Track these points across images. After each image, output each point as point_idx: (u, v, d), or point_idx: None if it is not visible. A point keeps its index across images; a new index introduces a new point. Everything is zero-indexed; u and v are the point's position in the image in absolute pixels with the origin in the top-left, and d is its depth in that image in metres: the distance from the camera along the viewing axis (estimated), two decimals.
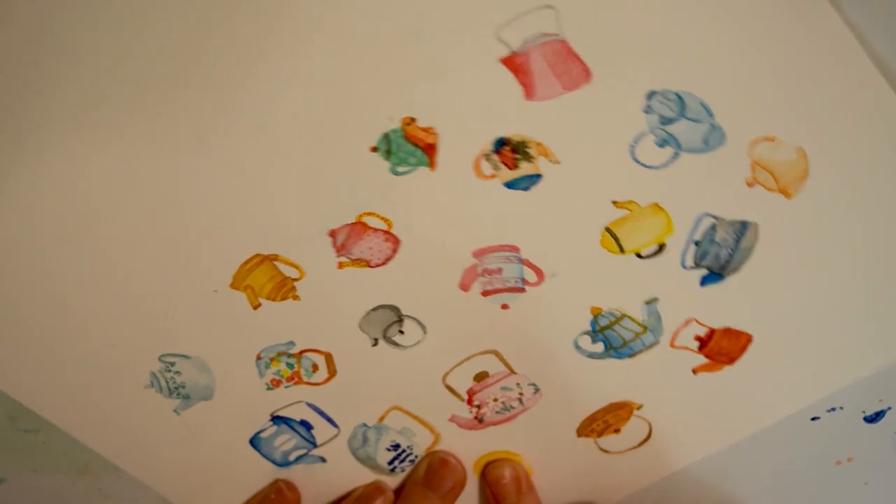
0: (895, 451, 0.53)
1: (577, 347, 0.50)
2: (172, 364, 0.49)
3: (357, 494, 0.54)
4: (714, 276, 0.48)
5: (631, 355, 0.51)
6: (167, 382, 0.50)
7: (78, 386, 0.49)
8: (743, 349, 0.50)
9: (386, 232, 0.47)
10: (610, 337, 0.50)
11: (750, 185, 0.46)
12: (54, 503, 0.55)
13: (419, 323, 0.49)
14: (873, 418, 0.52)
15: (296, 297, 0.48)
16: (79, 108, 0.43)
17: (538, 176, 0.45)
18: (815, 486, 0.55)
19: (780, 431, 0.53)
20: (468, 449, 0.54)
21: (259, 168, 0.45)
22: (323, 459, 0.54)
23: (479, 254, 0.48)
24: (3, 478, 0.54)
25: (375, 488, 0.54)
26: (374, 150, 0.45)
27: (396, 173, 0.45)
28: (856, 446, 0.53)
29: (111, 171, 0.44)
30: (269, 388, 0.51)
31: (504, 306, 0.49)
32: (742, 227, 0.47)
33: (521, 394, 0.52)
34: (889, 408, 0.52)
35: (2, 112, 0.43)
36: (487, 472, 0.54)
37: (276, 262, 0.47)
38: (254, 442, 0.53)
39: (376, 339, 0.50)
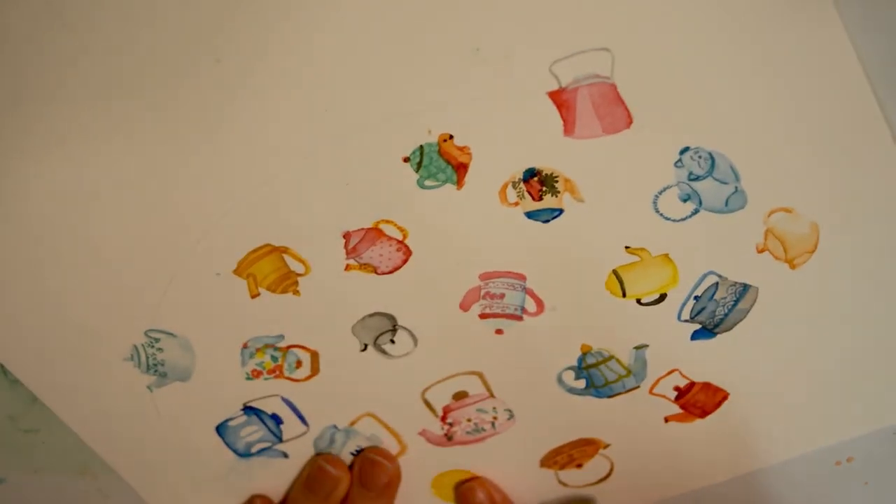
0: (895, 451, 0.55)
1: (560, 381, 0.51)
2: (157, 340, 0.48)
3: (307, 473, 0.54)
4: (706, 332, 0.49)
5: (610, 396, 0.51)
6: (147, 358, 0.49)
7: (56, 348, 0.48)
8: (717, 405, 0.52)
9: (400, 242, 0.46)
10: (594, 375, 0.51)
11: (760, 251, 0.47)
12: (54, 503, 0.54)
13: (412, 335, 0.49)
14: None
15: (296, 292, 0.48)
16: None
17: (560, 211, 0.46)
18: (815, 486, 0.55)
19: None
20: (430, 464, 0.54)
21: (287, 160, 0.44)
22: (285, 455, 0.53)
23: (486, 277, 0.48)
24: (3, 478, 0.54)
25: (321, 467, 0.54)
26: (407, 160, 0.44)
27: (423, 186, 0.45)
28: (856, 446, 0.54)
29: (134, 145, 0.43)
30: (248, 378, 0.50)
31: (498, 331, 0.49)
32: (743, 290, 0.48)
33: (495, 418, 0.52)
34: None
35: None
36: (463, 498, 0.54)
37: (284, 255, 0.46)
38: (220, 429, 0.52)
39: (366, 345, 0.49)
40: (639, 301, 0.48)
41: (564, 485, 0.55)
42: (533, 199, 0.46)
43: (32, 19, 0.40)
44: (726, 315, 0.49)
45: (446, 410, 0.52)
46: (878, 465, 0.55)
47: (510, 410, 0.52)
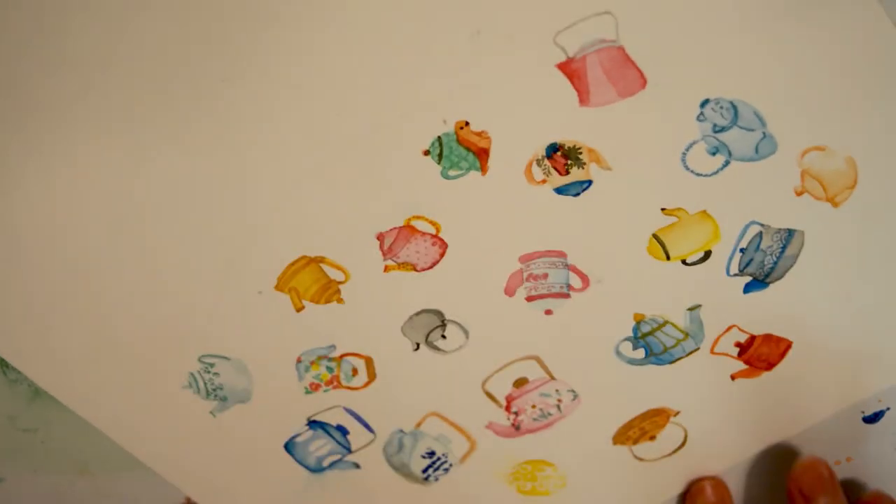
0: (895, 451, 0.53)
1: (618, 353, 0.50)
2: (212, 365, 0.49)
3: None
4: (758, 283, 0.48)
5: (671, 362, 0.51)
6: (205, 384, 0.49)
7: (115, 384, 0.49)
8: (782, 355, 0.51)
9: (434, 236, 0.46)
10: (651, 343, 0.50)
11: (798, 193, 0.46)
12: (54, 503, 0.55)
13: (462, 328, 0.49)
14: (872, 418, 0.53)
15: (340, 300, 0.48)
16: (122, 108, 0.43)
17: (589, 182, 0.45)
18: None
19: None
20: (502, 458, 0.54)
21: (311, 170, 0.44)
22: (357, 465, 0.53)
23: (526, 259, 0.47)
24: (3, 478, 0.54)
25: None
26: (427, 153, 0.44)
27: (448, 177, 0.45)
28: (855, 446, 0.54)
29: (161, 169, 0.44)
30: (307, 392, 0.50)
31: (548, 312, 0.49)
32: (788, 235, 0.47)
33: (559, 400, 0.52)
34: (888, 408, 0.53)
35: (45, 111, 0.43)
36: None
37: (322, 265, 0.47)
38: (288, 446, 0.52)
39: (418, 344, 0.49)
40: (684, 262, 0.48)
41: (640, 459, 0.54)
42: (559, 173, 0.45)
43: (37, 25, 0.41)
44: (776, 263, 0.48)
45: (509, 399, 0.52)
46: (877, 465, 0.55)
47: (573, 391, 0.51)
